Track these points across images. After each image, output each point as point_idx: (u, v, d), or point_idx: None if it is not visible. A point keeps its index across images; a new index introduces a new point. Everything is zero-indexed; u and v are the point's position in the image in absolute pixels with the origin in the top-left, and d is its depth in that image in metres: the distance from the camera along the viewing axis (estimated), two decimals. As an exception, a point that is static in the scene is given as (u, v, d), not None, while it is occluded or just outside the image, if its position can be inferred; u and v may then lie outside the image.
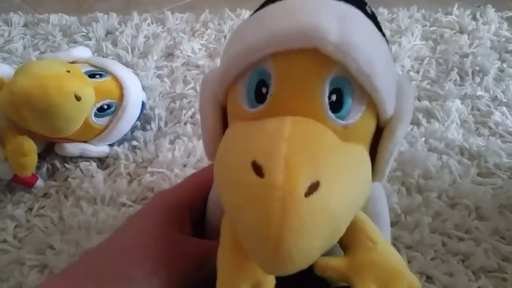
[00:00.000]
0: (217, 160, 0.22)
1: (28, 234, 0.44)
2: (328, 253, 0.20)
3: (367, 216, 0.24)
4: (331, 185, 0.18)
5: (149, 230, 0.30)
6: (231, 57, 0.23)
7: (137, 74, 0.61)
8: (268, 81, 0.21)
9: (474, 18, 0.74)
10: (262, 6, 0.23)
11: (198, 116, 0.56)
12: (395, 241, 0.40)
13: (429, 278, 0.37)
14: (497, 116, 0.54)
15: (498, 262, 0.38)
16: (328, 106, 0.21)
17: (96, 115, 0.49)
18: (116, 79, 0.52)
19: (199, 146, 0.52)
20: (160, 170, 0.49)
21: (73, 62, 0.53)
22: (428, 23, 0.74)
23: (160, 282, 0.27)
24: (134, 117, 0.52)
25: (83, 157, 0.51)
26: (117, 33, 0.75)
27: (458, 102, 0.57)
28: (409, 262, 0.38)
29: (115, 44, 0.72)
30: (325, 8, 0.20)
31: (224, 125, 0.25)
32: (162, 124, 0.56)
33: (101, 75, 0.51)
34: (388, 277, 0.21)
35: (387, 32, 0.71)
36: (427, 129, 0.53)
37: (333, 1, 0.21)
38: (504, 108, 0.55)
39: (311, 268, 0.21)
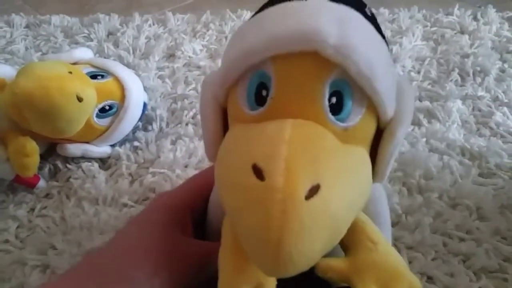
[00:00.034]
0: (218, 163, 0.22)
1: (30, 234, 0.44)
2: (329, 254, 0.20)
3: (368, 217, 0.24)
4: (332, 187, 0.18)
5: (151, 231, 0.30)
6: (231, 60, 0.23)
7: (139, 75, 0.61)
8: (268, 84, 0.21)
9: (475, 18, 0.74)
10: (262, 8, 0.23)
11: (199, 117, 0.56)
12: (396, 242, 0.40)
13: (430, 279, 0.37)
14: (498, 116, 0.54)
15: (499, 263, 0.38)
16: (328, 109, 0.21)
17: (98, 116, 0.49)
18: (117, 80, 0.52)
19: (200, 147, 0.52)
20: (162, 170, 0.49)
21: (74, 63, 0.53)
22: (429, 24, 0.74)
23: (161, 283, 0.27)
24: (135, 118, 0.53)
25: (85, 158, 0.52)
26: (118, 34, 0.75)
27: (459, 102, 0.57)
28: (410, 262, 0.38)
29: (116, 45, 0.73)
30: (325, 11, 0.20)
31: (225, 126, 0.25)
32: (163, 124, 0.56)
33: (102, 76, 0.51)
34: (389, 277, 0.22)
35: (388, 33, 0.71)
36: (428, 129, 0.53)
37: (333, 3, 0.21)
38: (505, 109, 0.55)
39: (312, 270, 0.21)
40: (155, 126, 0.56)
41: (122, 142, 0.54)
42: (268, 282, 0.22)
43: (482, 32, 0.70)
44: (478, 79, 0.60)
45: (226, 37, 0.74)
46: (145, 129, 0.56)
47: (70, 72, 0.46)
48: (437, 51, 0.67)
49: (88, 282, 0.27)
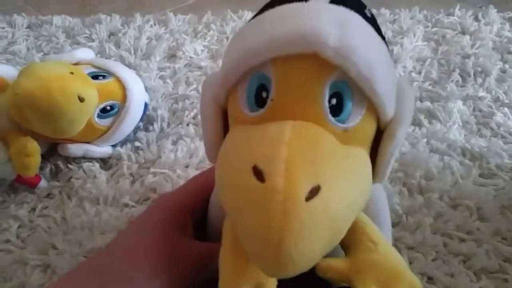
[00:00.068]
0: (218, 164, 0.22)
1: (31, 234, 0.44)
2: (329, 254, 0.21)
3: (368, 217, 0.24)
4: (332, 188, 0.19)
5: (152, 232, 0.30)
6: (231, 62, 0.23)
7: (140, 75, 0.61)
8: (268, 85, 0.21)
9: (476, 19, 0.74)
10: (262, 10, 0.23)
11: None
12: (397, 242, 0.40)
13: (430, 279, 0.38)
14: (499, 117, 0.54)
15: (500, 263, 0.38)
16: (328, 110, 0.21)
17: (99, 116, 0.49)
18: (119, 80, 0.52)
19: (201, 147, 0.52)
20: (163, 170, 0.49)
21: (76, 64, 0.53)
22: (430, 24, 0.74)
23: (161, 283, 0.28)
24: (136, 118, 0.53)
25: (86, 158, 0.52)
26: (120, 35, 0.75)
27: (460, 103, 0.57)
28: (410, 263, 0.39)
29: (118, 45, 0.73)
30: (325, 13, 0.20)
31: (225, 127, 0.25)
32: (164, 125, 0.56)
33: (104, 77, 0.51)
34: (389, 277, 0.22)
35: (389, 33, 0.71)
36: (429, 130, 0.53)
37: (333, 5, 0.21)
38: (506, 109, 0.55)
39: (312, 270, 0.21)
40: (156, 126, 0.56)
41: (123, 142, 0.54)
42: (268, 282, 0.22)
43: (483, 32, 0.70)
44: (479, 80, 0.60)
45: (227, 38, 0.74)
46: (146, 129, 0.56)
47: (72, 73, 0.46)
48: (438, 51, 0.67)
49: (89, 282, 0.27)
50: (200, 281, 0.30)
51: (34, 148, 0.46)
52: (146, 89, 0.57)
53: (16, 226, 0.45)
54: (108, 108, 0.50)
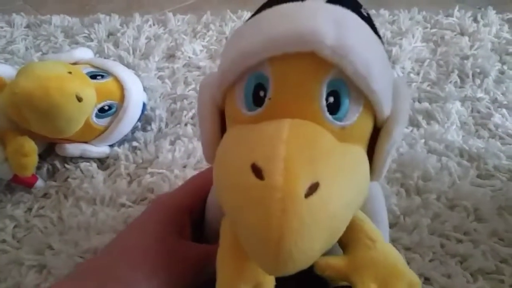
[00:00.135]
0: (217, 163, 0.22)
1: (27, 234, 0.44)
2: (327, 253, 0.21)
3: (366, 215, 0.24)
4: (330, 186, 0.19)
5: (150, 233, 0.30)
6: (228, 62, 0.23)
7: (138, 75, 0.61)
8: (266, 84, 0.21)
9: (475, 20, 0.74)
10: (259, 10, 0.23)
11: (198, 117, 0.56)
12: (394, 243, 0.40)
13: (427, 280, 0.37)
14: (497, 118, 0.54)
15: (496, 264, 0.38)
16: (325, 108, 0.21)
17: (97, 116, 0.49)
18: (117, 80, 0.52)
19: (199, 147, 0.52)
20: (160, 171, 0.49)
21: (74, 63, 0.53)
22: (429, 25, 0.74)
23: (160, 284, 0.28)
24: (134, 118, 0.53)
25: (84, 158, 0.52)
26: (118, 34, 0.75)
27: (458, 104, 0.57)
28: (407, 263, 0.38)
29: (116, 45, 0.73)
30: (321, 12, 0.21)
31: (223, 128, 0.25)
32: (162, 125, 0.56)
33: (102, 76, 0.51)
34: (388, 275, 0.22)
35: (388, 34, 0.71)
36: (427, 130, 0.53)
37: (329, 5, 0.21)
38: (504, 110, 0.55)
39: (311, 268, 0.21)
40: (154, 126, 0.56)
41: (121, 142, 0.54)
42: (267, 281, 0.22)
43: (482, 33, 0.70)
44: (478, 81, 0.60)
45: (226, 38, 0.74)
46: (144, 129, 0.56)
47: (70, 72, 0.46)
48: (436, 52, 0.67)
49: (87, 283, 0.27)
50: (198, 282, 0.30)
51: (31, 148, 0.46)
52: (145, 89, 0.57)
53: (12, 226, 0.45)
54: (106, 107, 0.50)
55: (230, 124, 0.24)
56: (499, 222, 0.41)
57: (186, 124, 0.56)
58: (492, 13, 0.74)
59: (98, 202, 0.46)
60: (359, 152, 0.22)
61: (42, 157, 0.51)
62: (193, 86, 0.63)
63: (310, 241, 0.18)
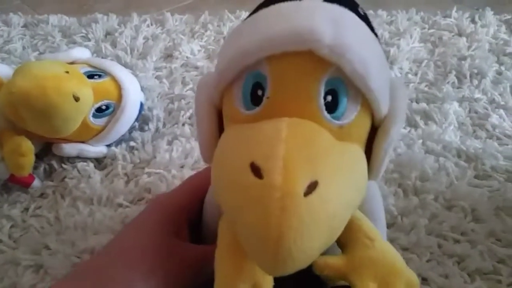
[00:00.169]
0: (215, 163, 0.22)
1: (24, 234, 0.44)
2: (325, 252, 0.21)
3: (364, 215, 0.24)
4: (329, 184, 0.19)
5: (149, 233, 0.30)
6: (226, 61, 0.23)
7: (136, 75, 0.61)
8: (264, 83, 0.21)
9: (473, 21, 0.74)
10: (256, 10, 0.23)
11: (196, 117, 0.56)
12: (391, 243, 0.38)
13: (424, 280, 0.37)
14: (494, 118, 0.54)
15: (494, 264, 0.38)
16: (323, 107, 0.21)
17: (94, 116, 0.49)
18: (114, 80, 0.52)
19: (196, 147, 0.52)
20: (158, 171, 0.49)
21: (72, 63, 0.53)
22: (426, 26, 0.74)
23: (158, 284, 0.28)
24: (132, 117, 0.53)
25: (81, 158, 0.51)
26: (116, 34, 0.75)
27: (455, 104, 0.57)
28: (405, 264, 0.38)
29: (114, 45, 0.73)
30: (319, 11, 0.21)
31: (220, 128, 0.25)
32: (160, 125, 0.56)
33: (100, 76, 0.51)
34: (387, 274, 0.22)
35: (386, 34, 0.71)
36: (425, 131, 0.53)
37: (327, 4, 0.21)
38: (501, 111, 0.55)
39: (309, 268, 0.21)
40: (152, 126, 0.56)
41: (118, 142, 0.53)
42: (265, 281, 0.22)
43: (480, 34, 0.70)
44: (475, 82, 0.60)
45: (224, 38, 0.74)
46: (141, 129, 0.56)
47: (67, 72, 0.46)
48: (434, 53, 0.67)
49: (85, 283, 0.27)
50: (196, 283, 0.30)
51: (28, 148, 0.45)
52: (142, 88, 0.57)
53: (8, 226, 0.44)
54: (104, 107, 0.50)
55: (228, 123, 0.24)
56: (497, 223, 0.41)
57: (183, 124, 0.56)
58: (489, 14, 0.74)
59: (95, 202, 0.46)
60: (357, 151, 0.22)
61: (39, 157, 0.51)
62: (190, 86, 0.62)
63: (310, 240, 0.18)
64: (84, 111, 0.47)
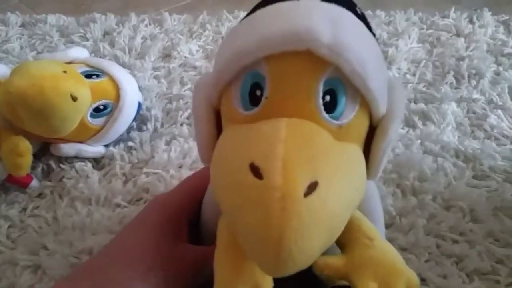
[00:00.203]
0: (214, 163, 0.22)
1: (22, 234, 0.44)
2: (325, 252, 0.21)
3: (363, 215, 0.24)
4: (329, 184, 0.19)
5: (148, 233, 0.30)
6: (224, 61, 0.23)
7: (134, 75, 0.61)
8: (263, 83, 0.21)
9: (471, 21, 0.74)
10: (254, 10, 0.23)
11: (194, 117, 0.56)
12: (390, 243, 0.40)
13: (423, 280, 0.37)
14: (492, 119, 0.54)
15: (492, 265, 0.38)
16: (322, 107, 0.21)
17: (92, 116, 0.49)
18: (112, 79, 0.52)
19: (195, 147, 0.52)
20: (156, 171, 0.49)
21: (70, 63, 0.53)
22: (425, 26, 0.74)
23: (157, 283, 0.28)
24: (130, 117, 0.52)
25: (79, 158, 0.51)
26: (114, 34, 0.75)
27: (454, 105, 0.57)
28: (403, 264, 0.38)
29: (112, 44, 0.72)
30: (317, 11, 0.21)
31: (218, 128, 0.25)
32: (158, 125, 0.56)
33: (97, 76, 0.51)
34: (387, 273, 0.22)
35: (384, 35, 0.71)
36: (423, 131, 0.53)
37: (325, 3, 0.21)
38: (499, 111, 0.55)
39: (309, 269, 0.21)
40: (150, 126, 0.56)
41: (116, 142, 0.53)
42: (265, 282, 0.22)
43: (478, 35, 0.70)
44: (473, 82, 0.60)
45: (222, 38, 0.74)
46: (139, 129, 0.56)
47: (65, 72, 0.46)
48: (432, 53, 0.67)
49: (85, 283, 0.27)
50: (195, 284, 0.30)
51: (26, 148, 0.45)
52: (140, 88, 0.57)
53: (6, 226, 0.44)
54: (101, 107, 0.50)
55: (226, 124, 0.24)
56: (495, 223, 0.41)
57: (182, 124, 0.56)
58: (487, 15, 0.74)
59: (93, 202, 0.46)
60: (356, 151, 0.22)
61: (37, 157, 0.51)
62: (189, 86, 0.62)
63: (310, 240, 0.18)
64: (82, 111, 0.47)
